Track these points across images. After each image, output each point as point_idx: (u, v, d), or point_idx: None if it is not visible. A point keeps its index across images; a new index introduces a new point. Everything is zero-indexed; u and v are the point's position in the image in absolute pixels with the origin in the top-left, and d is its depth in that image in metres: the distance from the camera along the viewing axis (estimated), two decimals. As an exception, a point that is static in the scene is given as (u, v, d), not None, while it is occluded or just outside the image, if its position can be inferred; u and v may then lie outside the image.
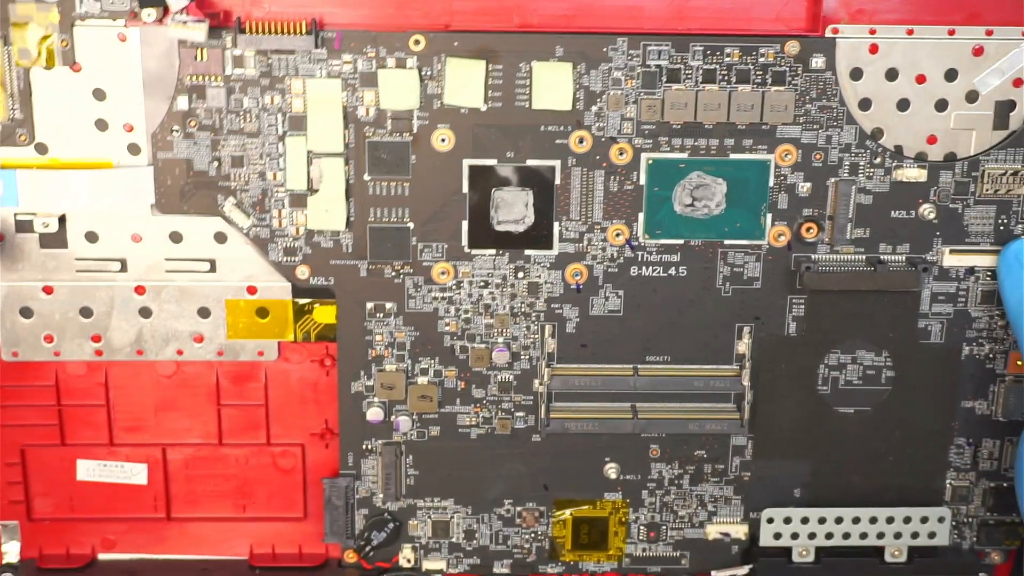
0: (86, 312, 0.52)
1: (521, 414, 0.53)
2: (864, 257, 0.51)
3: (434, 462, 0.54)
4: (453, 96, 0.49)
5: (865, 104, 0.50)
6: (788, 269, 0.52)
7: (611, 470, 0.54)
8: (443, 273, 0.52)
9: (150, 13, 0.48)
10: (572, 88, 0.49)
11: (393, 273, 0.52)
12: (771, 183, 0.51)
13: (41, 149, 0.50)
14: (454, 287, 0.52)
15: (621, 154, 0.50)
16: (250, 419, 0.54)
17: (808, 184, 0.51)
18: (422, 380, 0.53)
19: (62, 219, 0.51)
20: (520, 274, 0.52)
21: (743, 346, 0.53)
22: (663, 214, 0.51)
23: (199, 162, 0.50)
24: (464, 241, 0.51)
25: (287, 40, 0.48)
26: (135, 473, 0.54)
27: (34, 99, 0.49)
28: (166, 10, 0.48)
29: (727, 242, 0.51)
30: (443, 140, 0.50)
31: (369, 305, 0.52)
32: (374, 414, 0.53)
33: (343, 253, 0.51)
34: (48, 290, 0.51)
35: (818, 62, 0.50)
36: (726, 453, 0.54)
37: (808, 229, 0.51)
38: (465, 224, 0.51)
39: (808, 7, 0.50)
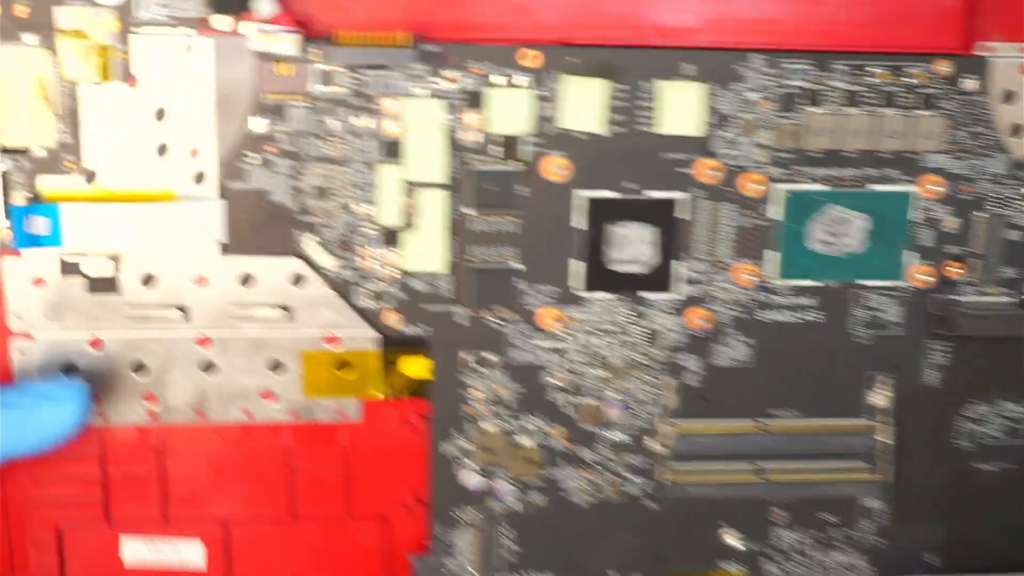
0: (139, 368, 0.40)
1: (636, 478, 0.43)
2: (1019, 299, 0.42)
3: (537, 534, 0.43)
4: (569, 119, 0.39)
5: (1018, 130, 0.41)
6: (930, 312, 0.42)
7: (730, 537, 0.44)
8: (553, 320, 0.41)
9: (225, 21, 0.37)
10: (703, 111, 0.39)
11: (496, 320, 0.41)
12: (914, 217, 0.41)
13: (90, 178, 0.38)
14: (564, 335, 0.41)
15: (754, 185, 0.40)
16: (327, 488, 0.43)
17: (954, 218, 0.41)
18: (525, 441, 0.42)
19: (114, 260, 0.39)
20: (638, 320, 0.41)
21: (878, 397, 0.43)
22: (798, 252, 0.41)
23: (277, 193, 0.39)
24: (578, 283, 0.41)
25: (386, 54, 0.38)
26: (191, 553, 0.42)
27: (83, 119, 0.38)
28: (241, 16, 0.37)
29: (865, 283, 0.42)
30: (559, 168, 0.40)
31: (468, 357, 0.41)
32: (470, 480, 0.42)
33: (439, 298, 0.40)
34: (96, 343, 0.40)
35: (970, 83, 0.40)
36: (853, 515, 0.44)
37: (952, 268, 0.42)
38: (579, 264, 0.41)
39: (959, 21, 0.41)
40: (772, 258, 0.41)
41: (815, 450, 0.43)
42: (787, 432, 0.43)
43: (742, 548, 0.44)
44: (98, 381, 0.40)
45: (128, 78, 0.38)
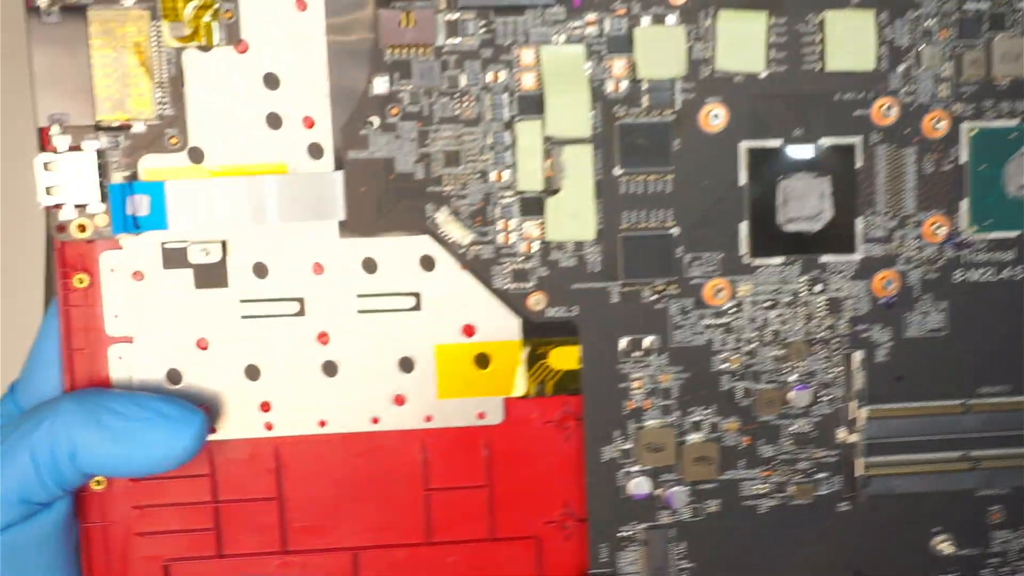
0: (252, 372, 0.36)
1: (823, 475, 0.37)
2: None
3: (714, 548, 0.37)
4: (727, 59, 0.35)
5: None
6: None
7: (943, 543, 0.37)
8: (718, 292, 0.36)
9: (340, -30, 0.34)
10: (875, 43, 0.35)
11: (654, 296, 0.36)
12: (1121, 153, 0.36)
13: (196, 156, 0.35)
14: (732, 310, 0.36)
15: (936, 125, 0.36)
16: (468, 507, 0.37)
17: None
18: (696, 437, 0.37)
19: (223, 247, 0.35)
20: (817, 288, 0.36)
21: (1099, 367, 0.37)
22: (992, 199, 0.36)
23: (402, 162, 0.35)
24: (744, 249, 0.36)
25: (522, -9, 0.34)
26: (314, 592, 0.37)
27: (188, 90, 0.34)
28: (360, -33, 0.34)
29: (1071, 232, 0.37)
30: (715, 117, 0.35)
31: (623, 341, 0.36)
32: (638, 486, 0.36)
33: (588, 274, 0.36)
34: (203, 344, 0.35)
35: None
36: (1076, 513, 0.38)
37: None
38: (744, 226, 0.36)
39: None
40: (963, 208, 0.36)
41: (1030, 433, 0.37)
42: (997, 411, 0.37)
43: (954, 554, 0.37)
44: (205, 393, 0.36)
45: (237, 43, 0.34)
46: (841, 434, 0.37)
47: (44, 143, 0.34)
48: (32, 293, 0.68)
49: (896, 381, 0.37)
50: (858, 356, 0.37)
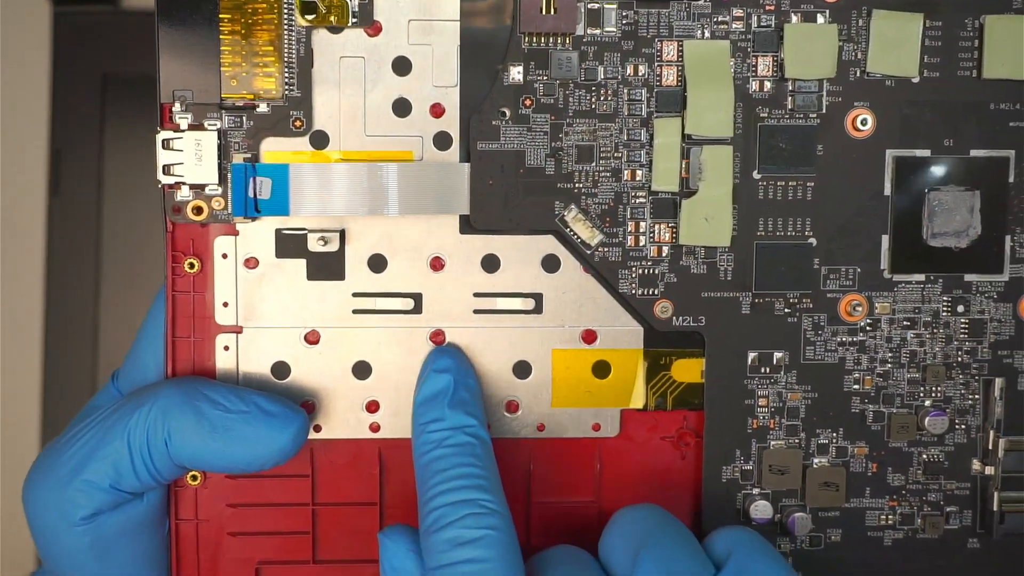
0: (362, 370, 0.35)
1: (954, 508, 0.36)
2: None
3: (834, 579, 0.36)
4: (878, 62, 0.34)
5: None
6: None
7: (1080, 588, 0.36)
8: (855, 308, 0.35)
9: (480, -47, 0.33)
10: (1035, 51, 0.34)
11: (787, 309, 0.35)
12: None
13: (319, 141, 0.34)
14: (868, 328, 0.35)
15: (1096, 141, 0.35)
16: (573, 521, 0.36)
17: None
18: (822, 461, 0.36)
19: (342, 237, 0.34)
20: (959, 308, 0.35)
21: None
22: None
23: (533, 156, 0.34)
24: (884, 263, 0.35)
25: (669, -18, 0.33)
26: (411, 604, 0.36)
27: (315, 72, 0.34)
28: (499, -50, 0.33)
29: None
30: (862, 123, 0.34)
31: (751, 356, 0.35)
32: (759, 510, 0.35)
33: (720, 282, 0.35)
34: (313, 338, 0.35)
35: None
36: None
37: None
38: (886, 239, 0.35)
39: None
40: (1119, 231, 0.35)
41: None
42: None
43: (1091, 601, 0.36)
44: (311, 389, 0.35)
45: (370, 25, 0.34)
46: (976, 465, 0.36)
47: (164, 120, 0.33)
48: (32, 293, 0.69)
49: (1038, 411, 0.36)
50: (999, 383, 0.35)
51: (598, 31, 0.34)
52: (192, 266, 0.34)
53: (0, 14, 0.68)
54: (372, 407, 0.35)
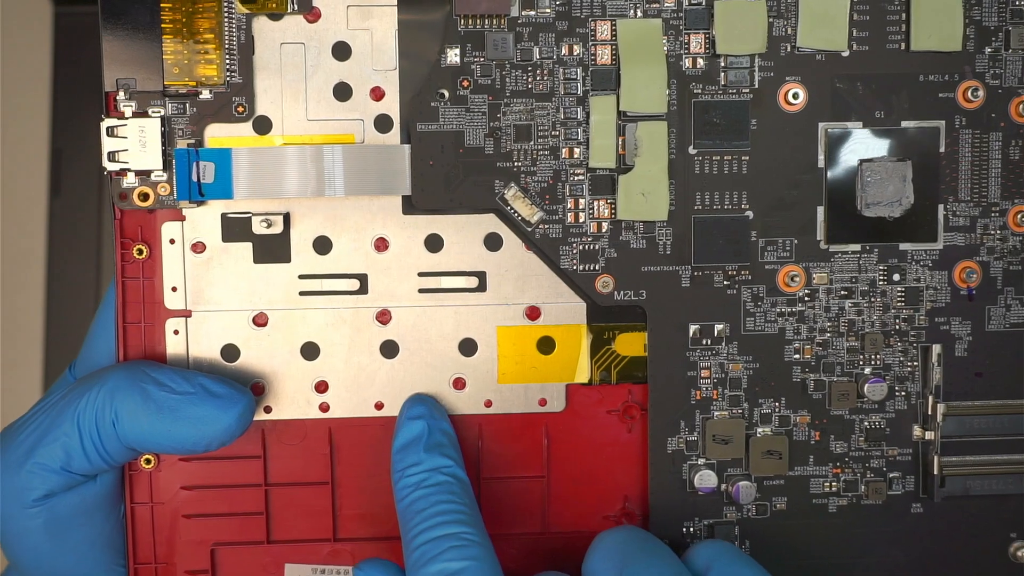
0: (310, 351, 0.36)
1: (896, 474, 0.37)
2: None
3: (780, 547, 0.37)
4: (808, 37, 0.36)
5: None
6: None
7: (1022, 551, 0.37)
8: (792, 279, 0.36)
9: (414, -61, 0.35)
10: (962, 23, 0.36)
11: (726, 282, 0.36)
12: None
13: (262, 126, 0.35)
14: (806, 298, 0.37)
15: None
16: (522, 499, 0.37)
17: None
18: (764, 430, 0.37)
19: (286, 219, 0.36)
20: (895, 277, 0.37)
21: None
22: (1080, 189, 0.37)
23: (472, 136, 0.36)
24: (820, 234, 0.36)
25: (599, -38, 0.35)
26: (365, 581, 0.37)
27: (257, 58, 0.35)
28: (434, -64, 0.35)
29: None
30: (794, 97, 0.36)
31: (693, 328, 0.37)
32: (703, 480, 0.37)
33: (659, 256, 0.36)
34: (261, 320, 0.36)
35: None
36: None
37: None
38: (821, 211, 0.36)
39: None
40: (1050, 198, 0.37)
41: (1115, 436, 0.37)
42: (1081, 412, 0.37)
43: (1033, 562, 0.38)
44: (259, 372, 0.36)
45: (309, 11, 0.35)
46: (916, 431, 0.37)
47: (110, 108, 0.35)
48: (33, 293, 0.69)
49: (976, 377, 0.37)
50: (936, 350, 0.37)
51: (532, 12, 0.35)
52: (141, 252, 0.36)
53: (0, 14, 0.69)
54: (321, 387, 0.37)
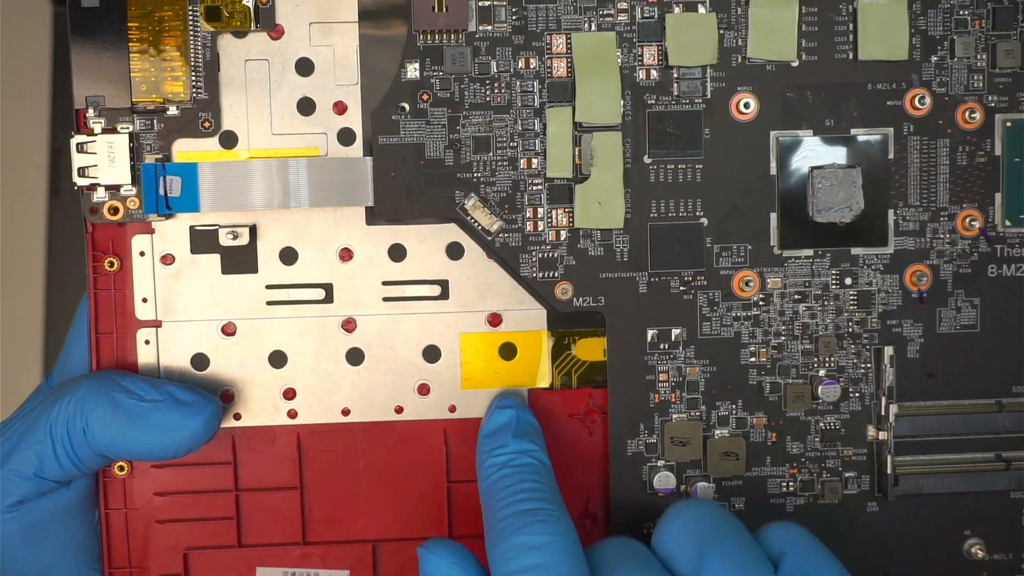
0: (278, 359, 0.38)
1: (851, 474, 0.38)
2: None
3: (739, 546, 0.38)
4: (758, 48, 0.37)
5: None
6: None
7: (975, 547, 0.38)
8: (747, 284, 0.38)
9: (374, -43, 0.36)
10: (908, 33, 0.37)
11: (682, 287, 0.38)
12: None
13: (228, 140, 0.37)
14: (761, 303, 0.38)
15: (970, 116, 0.37)
16: (488, 500, 0.39)
17: None
18: (722, 432, 0.38)
19: (252, 231, 0.37)
20: (847, 281, 0.38)
21: None
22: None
23: (432, 148, 0.37)
24: (773, 240, 0.38)
25: (553, -22, 0.36)
26: (334, 583, 0.39)
27: (222, 75, 0.36)
28: (393, -46, 0.36)
29: (1107, 229, 0.38)
30: (745, 106, 0.37)
31: (651, 333, 0.38)
32: (662, 481, 0.38)
33: (616, 263, 0.37)
34: (230, 330, 0.37)
35: None
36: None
37: None
38: (774, 217, 0.37)
39: None
40: (997, 201, 0.38)
41: (1066, 434, 0.39)
42: (1031, 411, 0.38)
43: (986, 558, 0.39)
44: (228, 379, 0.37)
45: (273, 28, 0.36)
46: (870, 432, 0.38)
47: (79, 125, 0.36)
48: (33, 293, 0.70)
49: (928, 378, 0.38)
50: (888, 352, 0.38)
51: (489, 27, 0.37)
52: (112, 264, 0.37)
53: (0, 14, 0.70)
54: (289, 394, 0.38)
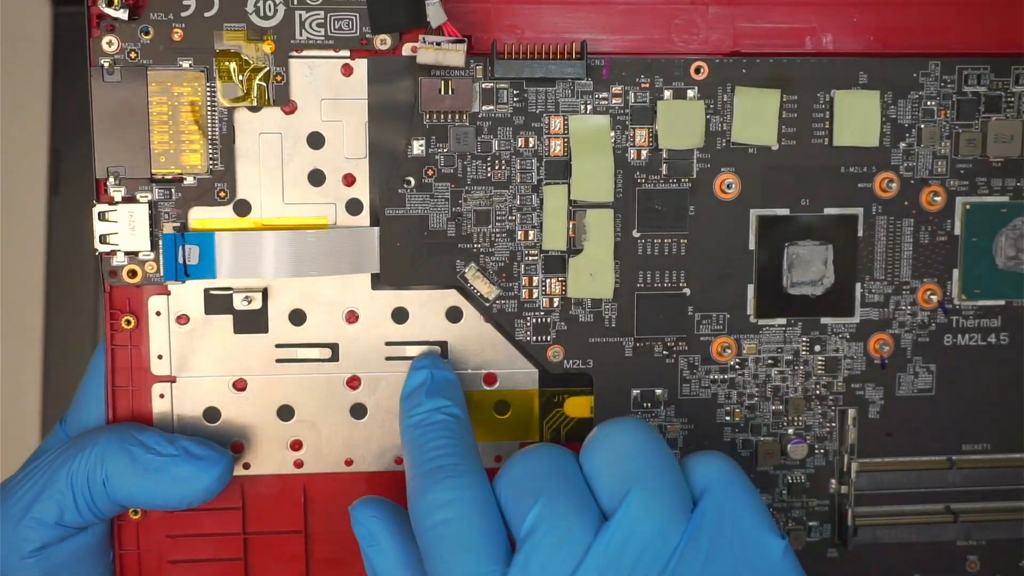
0: (286, 413, 0.40)
1: (815, 523, 0.42)
2: None
3: (711, 588, 0.42)
4: (742, 132, 0.40)
5: None
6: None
7: (924, 589, 0.42)
8: (724, 349, 0.41)
9: (384, 40, 0.38)
10: (879, 121, 0.40)
11: (665, 352, 0.41)
12: (1102, 231, 0.41)
13: (242, 208, 0.39)
14: (737, 366, 0.41)
15: (933, 198, 0.41)
16: (480, 543, 0.41)
17: None
18: (698, 484, 0.41)
19: (264, 294, 0.39)
20: (816, 348, 0.41)
21: (1074, 429, 0.42)
22: (982, 270, 0.41)
23: (435, 220, 0.39)
24: (750, 309, 0.41)
25: (554, 66, 0.38)
26: (335, 620, 0.41)
27: (237, 147, 0.38)
28: (403, 37, 0.38)
29: (1053, 302, 0.42)
30: (728, 186, 0.40)
31: (635, 393, 0.41)
32: (642, 529, 0.41)
33: (605, 329, 0.40)
34: (241, 385, 0.40)
35: None
36: (1050, 563, 0.43)
37: None
38: (751, 288, 0.41)
39: None
40: (955, 277, 0.41)
41: (1012, 488, 0.42)
42: (978, 467, 0.42)
43: (935, 600, 0.42)
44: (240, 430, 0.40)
45: (286, 104, 0.38)
46: (833, 485, 0.42)
47: (100, 193, 0.38)
48: (33, 293, 0.70)
49: (887, 436, 0.42)
50: (852, 413, 0.41)
51: (492, 107, 0.39)
52: (129, 323, 0.39)
53: (0, 14, 0.70)
54: (296, 445, 0.40)
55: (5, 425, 0.70)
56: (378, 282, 0.40)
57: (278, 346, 0.40)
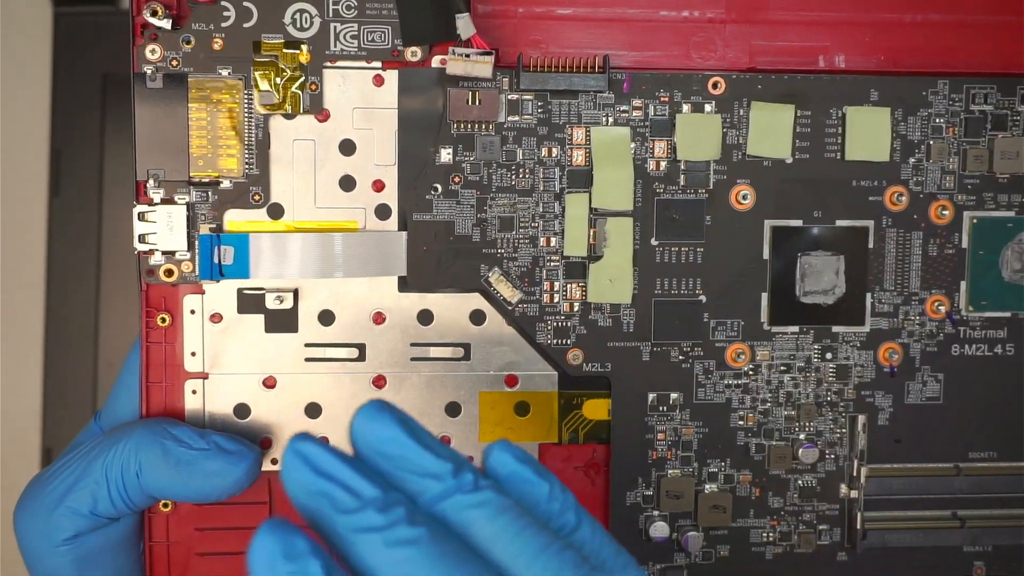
0: (313, 410, 0.41)
1: (825, 527, 0.43)
2: None
3: (722, 589, 0.43)
4: (757, 146, 0.41)
5: None
6: None
7: (931, 593, 0.43)
8: (739, 355, 0.42)
9: (415, 52, 0.40)
10: (890, 137, 0.41)
11: (681, 357, 0.42)
12: (1105, 246, 0.43)
13: (275, 212, 0.40)
14: (751, 372, 0.42)
15: (942, 212, 0.42)
16: (498, 542, 0.43)
17: None
18: (711, 487, 0.43)
19: (295, 295, 0.41)
20: (827, 355, 0.42)
21: (1078, 438, 0.43)
22: (989, 282, 0.42)
23: (461, 225, 0.41)
24: (764, 317, 0.42)
25: (577, 79, 0.40)
26: (356, 614, 0.42)
27: (272, 153, 0.40)
28: (432, 49, 0.40)
29: (1058, 315, 0.43)
30: (744, 197, 0.41)
31: (651, 396, 0.42)
32: (658, 530, 0.42)
33: (623, 333, 0.42)
34: (270, 383, 0.41)
35: None
36: (1054, 571, 0.44)
37: None
38: (765, 297, 0.42)
39: None
40: (963, 288, 0.43)
41: (1016, 496, 0.43)
42: (984, 475, 0.43)
43: (941, 605, 0.44)
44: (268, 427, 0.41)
45: (320, 112, 0.40)
46: (843, 490, 0.43)
47: (140, 194, 0.40)
48: (33, 293, 0.71)
49: (895, 443, 0.43)
50: (862, 419, 0.43)
51: (517, 118, 0.41)
52: (164, 320, 0.41)
53: (0, 14, 0.71)
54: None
55: (5, 425, 0.71)
56: (405, 285, 0.41)
57: (307, 345, 0.41)
